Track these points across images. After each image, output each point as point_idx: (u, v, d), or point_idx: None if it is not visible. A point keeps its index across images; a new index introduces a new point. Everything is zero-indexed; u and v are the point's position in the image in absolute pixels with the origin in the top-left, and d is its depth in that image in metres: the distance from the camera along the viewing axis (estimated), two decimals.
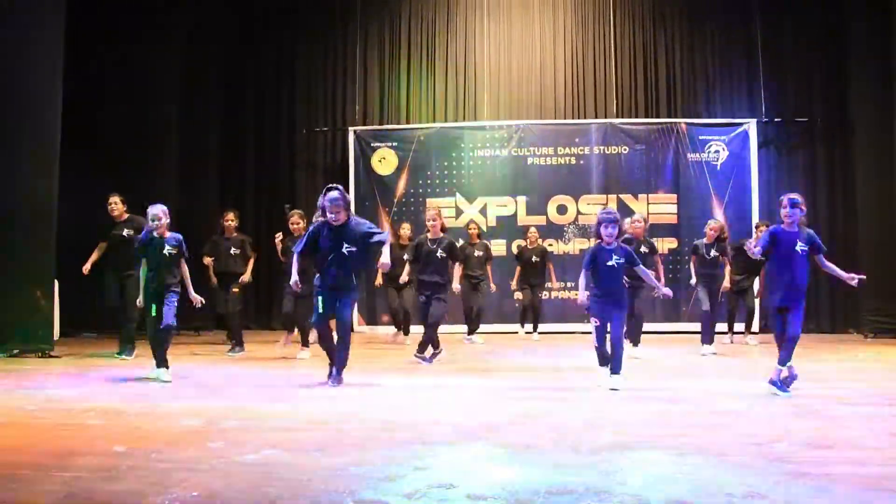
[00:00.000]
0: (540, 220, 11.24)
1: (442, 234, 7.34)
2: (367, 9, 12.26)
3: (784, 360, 5.04)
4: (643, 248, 7.59)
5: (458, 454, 3.42)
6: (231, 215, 8.26)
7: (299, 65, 12.38)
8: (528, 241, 10.22)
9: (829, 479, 2.97)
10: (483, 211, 11.44)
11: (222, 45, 11.89)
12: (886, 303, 10.08)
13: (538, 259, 10.04)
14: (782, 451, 3.45)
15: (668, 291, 5.98)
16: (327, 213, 5.54)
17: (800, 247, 5.09)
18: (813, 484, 2.91)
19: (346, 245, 5.48)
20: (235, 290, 8.02)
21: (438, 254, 7.19)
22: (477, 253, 9.45)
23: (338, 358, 5.57)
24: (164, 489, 2.81)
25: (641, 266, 5.69)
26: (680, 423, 4.15)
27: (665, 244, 11.11)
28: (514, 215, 11.41)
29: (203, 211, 10.69)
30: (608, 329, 5.41)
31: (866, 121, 10.60)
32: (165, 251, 5.89)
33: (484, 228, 10.65)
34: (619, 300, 5.48)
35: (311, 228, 5.83)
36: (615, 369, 5.37)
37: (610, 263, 5.39)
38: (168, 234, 5.97)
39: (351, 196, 11.40)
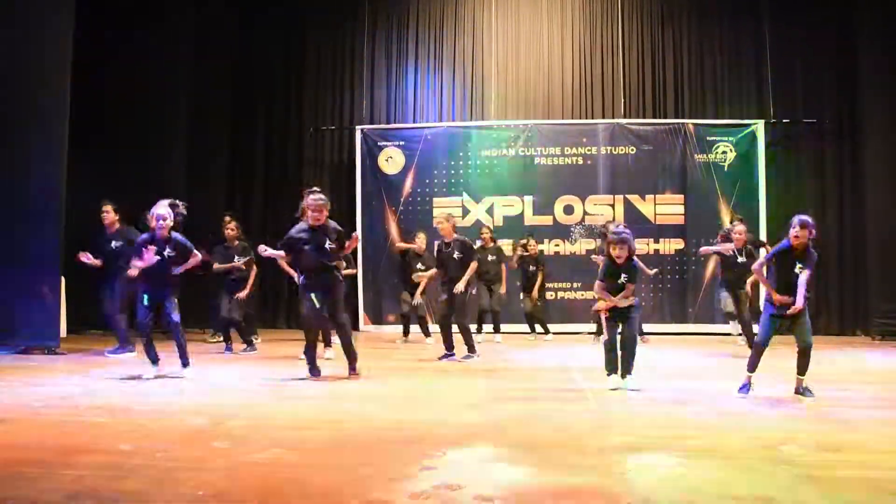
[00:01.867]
0: (547, 220, 11.22)
1: (455, 236, 7.46)
2: (375, 8, 12.25)
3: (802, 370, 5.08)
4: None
5: (465, 455, 3.41)
6: (233, 224, 8.35)
7: (307, 63, 12.38)
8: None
9: (838, 483, 2.96)
10: (490, 211, 11.41)
11: (230, 44, 11.89)
12: (895, 305, 10.03)
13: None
14: (790, 453, 3.43)
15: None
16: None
17: (798, 268, 5.01)
18: (821, 487, 2.89)
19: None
20: (242, 295, 8.12)
21: (455, 255, 7.33)
22: (490, 257, 9.63)
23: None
24: (169, 488, 2.81)
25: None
26: (687, 425, 4.14)
27: (672, 245, 11.08)
28: (521, 215, 11.37)
29: (211, 209, 10.68)
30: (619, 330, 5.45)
31: (876, 121, 10.49)
32: (165, 253, 5.80)
33: (491, 227, 10.59)
34: (625, 310, 5.47)
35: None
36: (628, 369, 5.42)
37: (620, 282, 5.44)
38: (170, 235, 5.85)
39: (357, 195, 11.65)
